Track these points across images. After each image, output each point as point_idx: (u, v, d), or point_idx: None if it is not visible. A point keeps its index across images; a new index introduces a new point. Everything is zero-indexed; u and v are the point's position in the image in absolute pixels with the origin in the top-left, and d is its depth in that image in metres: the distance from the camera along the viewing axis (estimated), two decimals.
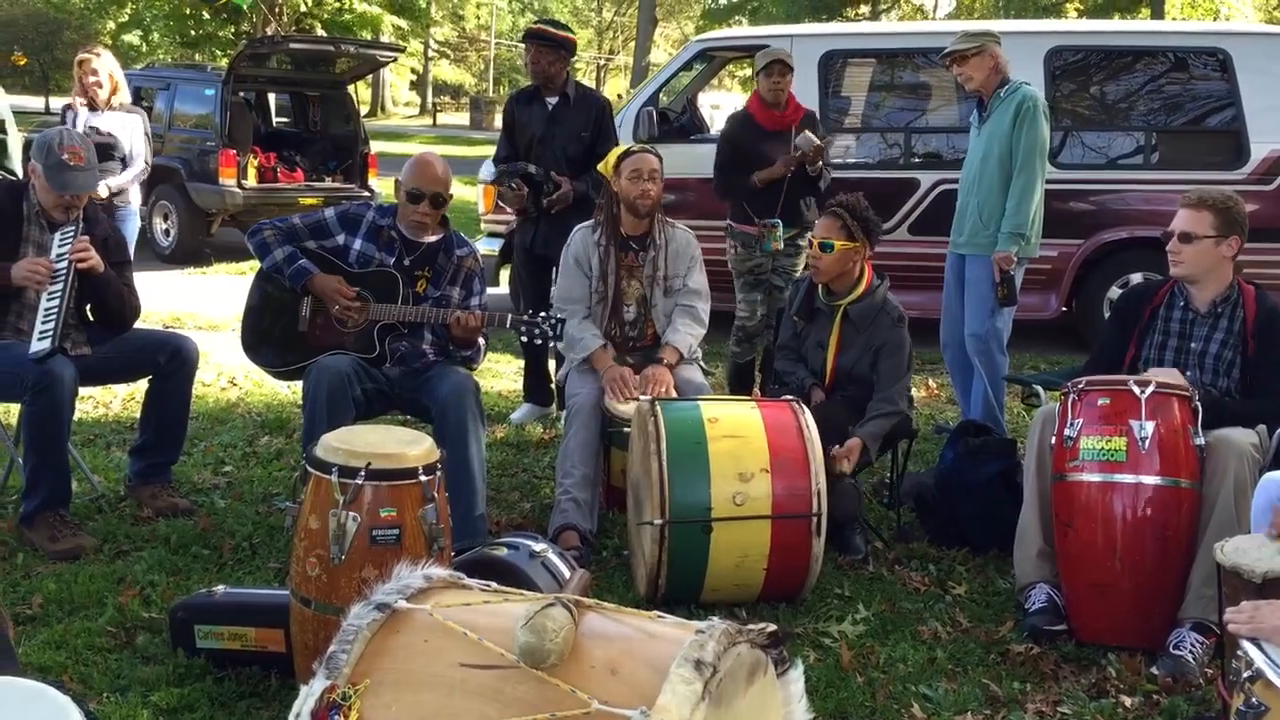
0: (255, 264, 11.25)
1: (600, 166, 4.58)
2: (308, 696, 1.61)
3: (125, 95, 6.89)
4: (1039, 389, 4.24)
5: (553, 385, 5.86)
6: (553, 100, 5.50)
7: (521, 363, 6.47)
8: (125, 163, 6.74)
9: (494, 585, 1.75)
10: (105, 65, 6.76)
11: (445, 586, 1.75)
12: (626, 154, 4.40)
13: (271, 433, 5.37)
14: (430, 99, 49.75)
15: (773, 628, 1.55)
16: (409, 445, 2.63)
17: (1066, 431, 3.48)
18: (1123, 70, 7.61)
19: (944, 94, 7.96)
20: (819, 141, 5.44)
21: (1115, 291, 7.51)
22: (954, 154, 7.58)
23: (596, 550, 4.03)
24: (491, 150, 6.24)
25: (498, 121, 42.43)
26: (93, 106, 6.72)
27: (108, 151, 6.41)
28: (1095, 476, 3.40)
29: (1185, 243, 3.64)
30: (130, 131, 6.74)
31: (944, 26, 7.64)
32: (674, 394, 4.16)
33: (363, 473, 2.51)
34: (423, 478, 2.58)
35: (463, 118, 45.74)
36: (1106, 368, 3.82)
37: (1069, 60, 7.57)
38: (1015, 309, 5.05)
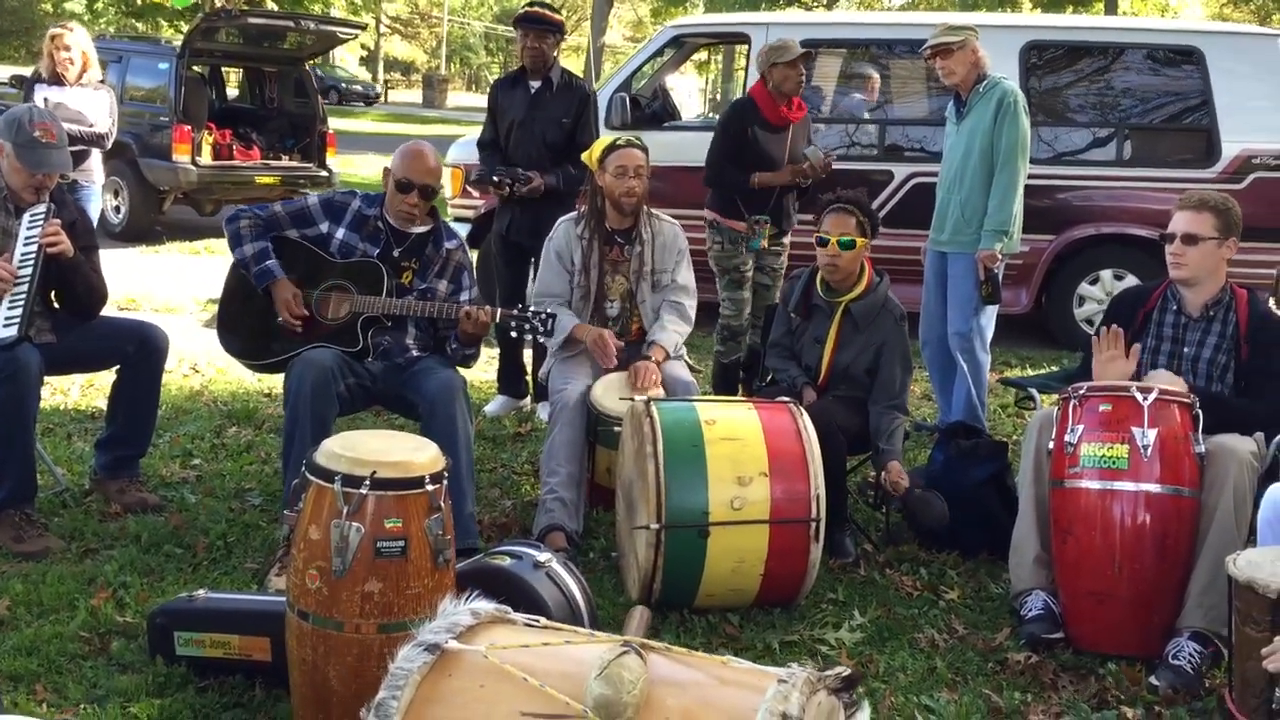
0: (209, 243, 11.00)
1: (585, 157, 4.46)
2: None
3: (96, 72, 6.66)
4: (1034, 392, 4.21)
5: (527, 377, 5.75)
6: (536, 84, 5.37)
7: (492, 352, 6.36)
8: (98, 142, 6.51)
9: (542, 621, 1.65)
10: (79, 41, 6.54)
11: (494, 623, 1.65)
12: (612, 147, 4.29)
13: (239, 424, 5.20)
14: (381, 76, 49.12)
15: (847, 672, 1.47)
16: (415, 453, 2.52)
17: (1066, 437, 3.44)
18: (1097, 66, 7.62)
19: (917, 86, 7.93)
20: (826, 158, 5.39)
21: (1086, 288, 7.57)
22: (929, 147, 7.56)
23: (583, 551, 3.94)
24: (447, 130, 6.12)
25: (451, 100, 42.15)
26: (58, 82, 6.47)
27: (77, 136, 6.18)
28: (1096, 484, 3.37)
29: (1190, 245, 3.61)
30: (97, 108, 6.51)
31: (920, 18, 7.61)
32: (662, 391, 4.08)
33: (367, 482, 2.40)
34: (429, 487, 2.47)
35: (415, 95, 45.23)
36: None
37: (1044, 55, 7.57)
38: (998, 306, 5.03)
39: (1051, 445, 3.51)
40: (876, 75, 7.88)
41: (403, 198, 3.89)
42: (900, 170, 7.53)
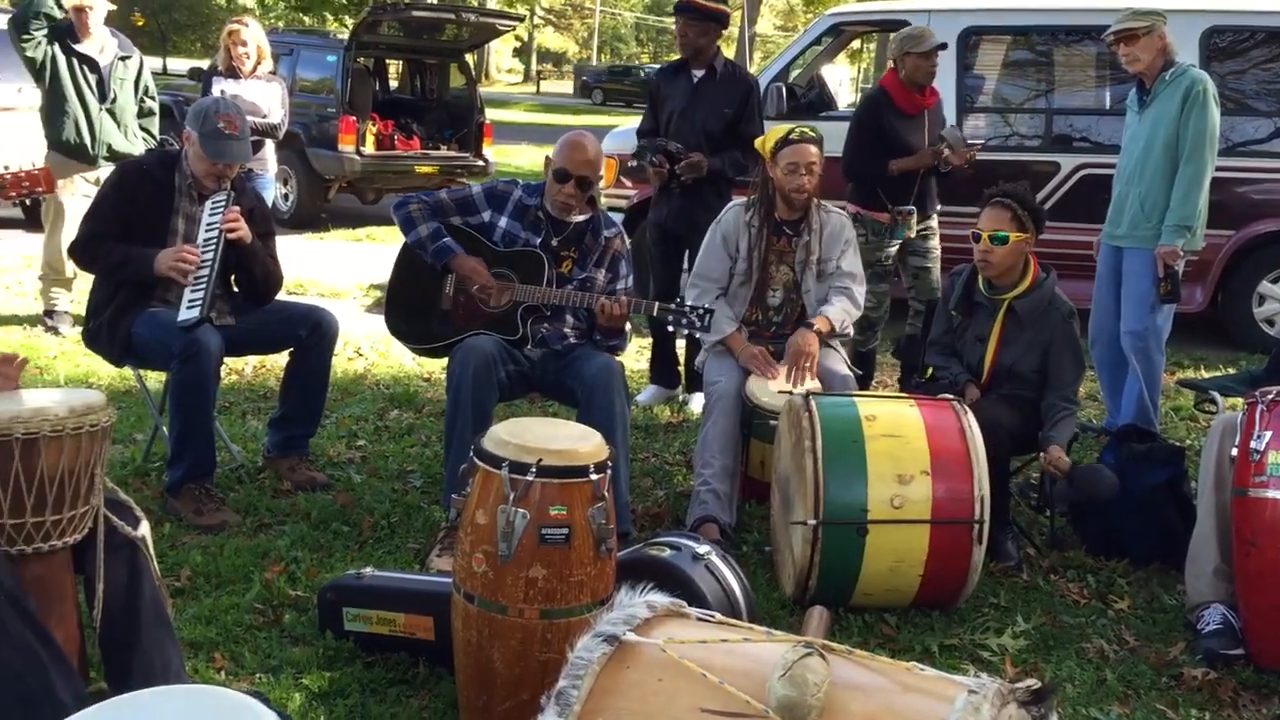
0: (372, 231, 11.35)
1: (758, 144, 4.40)
2: None
3: (269, 65, 6.97)
4: (1216, 395, 3.99)
5: (679, 368, 5.75)
6: (698, 74, 5.35)
7: (644, 342, 6.38)
8: (271, 132, 6.80)
9: (717, 616, 1.64)
10: (254, 35, 6.86)
11: (669, 616, 1.64)
12: (786, 141, 4.20)
13: (401, 407, 5.35)
14: (534, 66, 49.85)
15: (1038, 684, 1.42)
16: (580, 441, 2.53)
17: (1252, 444, 3.25)
18: None
19: (1087, 74, 7.62)
20: (966, 141, 5.27)
21: (1266, 286, 7.18)
22: (1098, 137, 7.27)
23: (736, 545, 3.92)
24: (597, 120, 6.16)
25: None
26: (234, 74, 6.78)
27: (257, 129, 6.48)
28: None
29: None
30: (270, 99, 6.80)
31: (1093, 3, 7.27)
32: (819, 384, 4.02)
33: (534, 469, 2.42)
34: (594, 476, 2.49)
35: (565, 86, 45.78)
36: None
37: (1226, 40, 7.18)
38: (1176, 306, 4.79)
39: (1235, 452, 3.33)
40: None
41: (560, 187, 3.93)
42: (1068, 161, 7.25)
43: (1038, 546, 4.03)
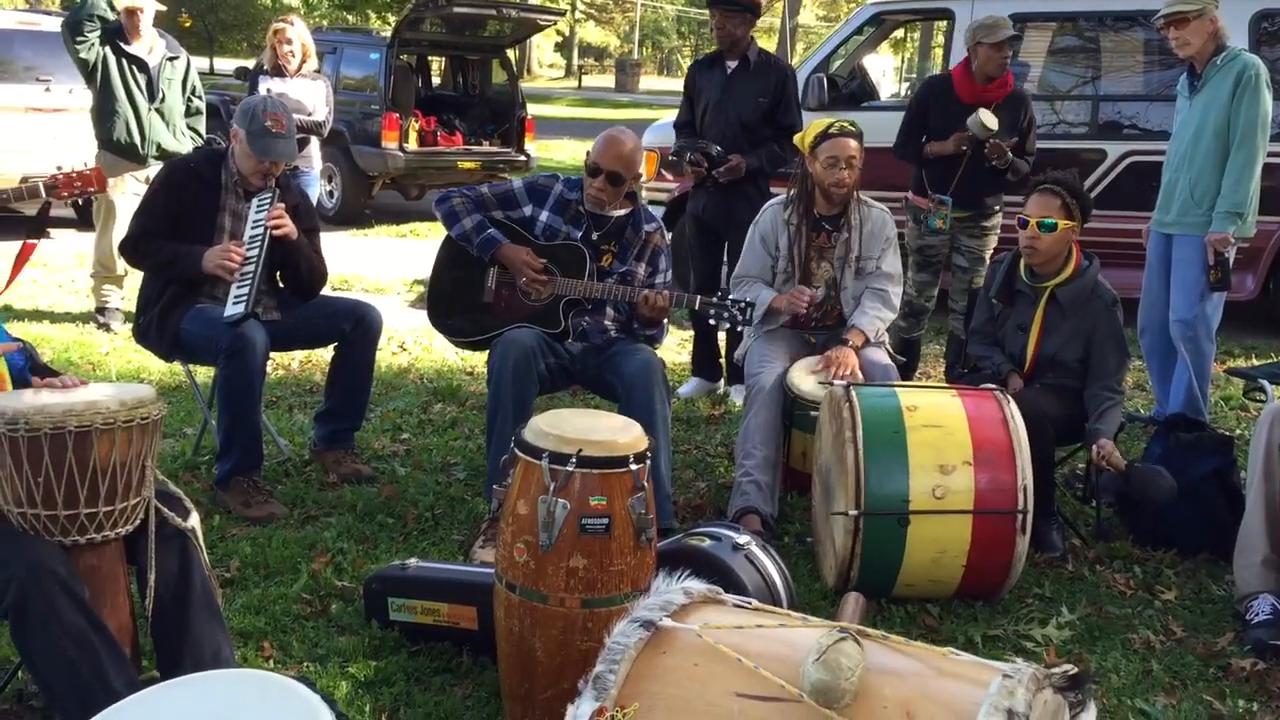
0: (415, 227, 11.44)
1: (797, 140, 4.39)
2: (576, 718, 1.53)
3: (313, 63, 7.06)
4: (1265, 383, 3.94)
5: (721, 360, 5.76)
6: (732, 65, 5.35)
7: (685, 335, 6.39)
8: (316, 130, 6.88)
9: (754, 603, 1.65)
10: (299, 34, 6.95)
11: (705, 602, 1.66)
12: (825, 135, 4.18)
13: (444, 400, 5.40)
14: (576, 61, 49.91)
15: (1075, 670, 1.41)
16: (619, 432, 2.55)
17: None
18: None
19: (1133, 60, 7.51)
20: (992, 126, 5.07)
21: None
22: (1145, 124, 7.17)
23: (778, 535, 3.92)
24: (638, 114, 6.16)
25: (643, 84, 42.48)
26: (280, 73, 6.87)
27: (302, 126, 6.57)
28: None
29: None
30: (315, 97, 6.88)
31: None
32: (860, 377, 4.01)
33: (574, 459, 2.44)
34: (633, 466, 2.50)
35: (607, 80, 45.78)
36: None
37: (1278, 24, 7.04)
38: (1226, 294, 4.72)
39: None
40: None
41: (590, 181, 3.95)
42: (1114, 148, 7.16)
43: (1083, 537, 4.00)
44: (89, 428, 2.38)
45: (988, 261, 5.33)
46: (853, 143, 4.16)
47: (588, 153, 4.01)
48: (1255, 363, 6.29)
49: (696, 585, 1.71)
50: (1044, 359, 4.02)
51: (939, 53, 11.41)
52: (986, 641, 3.26)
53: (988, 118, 5.07)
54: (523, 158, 11.64)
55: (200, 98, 6.53)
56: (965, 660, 1.51)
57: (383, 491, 4.12)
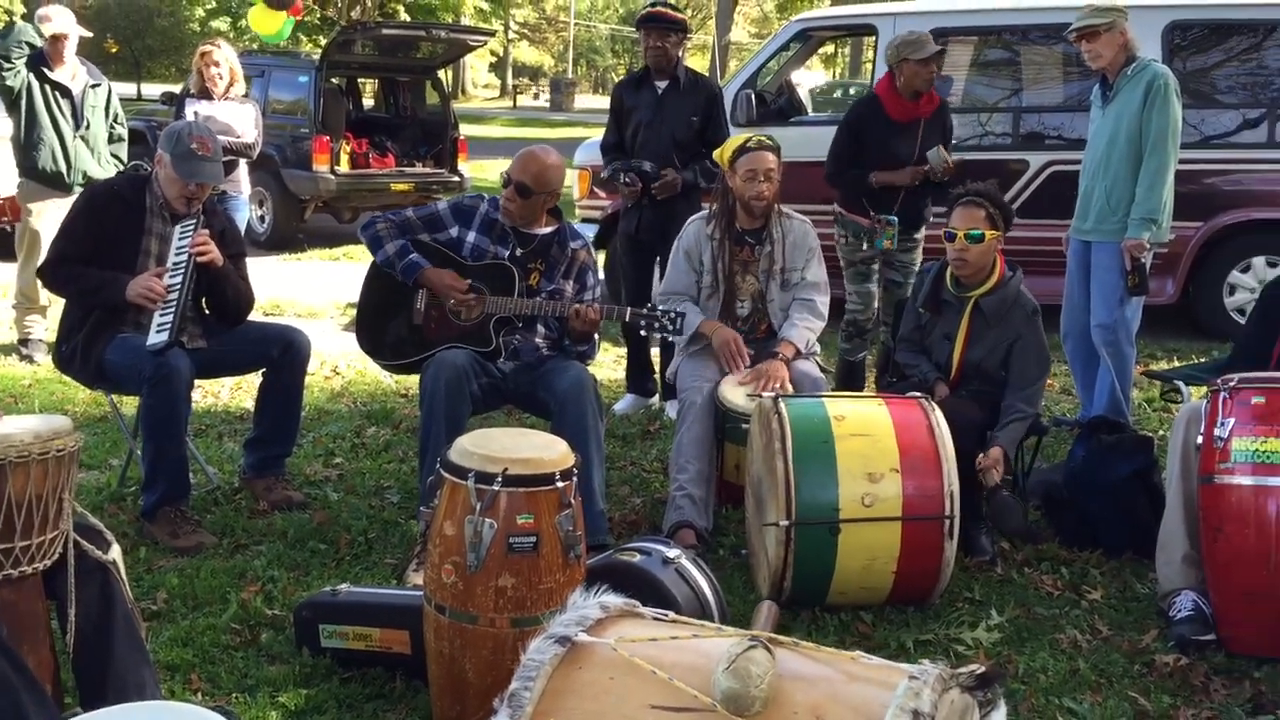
0: (348, 250, 11.34)
1: (716, 155, 4.45)
2: None
3: (241, 86, 6.98)
4: (1181, 384, 4.04)
5: (655, 376, 5.78)
6: (662, 84, 5.39)
7: (620, 351, 6.41)
8: (245, 151, 6.80)
9: (671, 615, 1.66)
10: (226, 57, 6.88)
11: (622, 616, 1.67)
12: (743, 150, 4.24)
13: (378, 424, 5.36)
14: (510, 81, 49.92)
15: (983, 669, 1.44)
16: (545, 450, 2.56)
17: (1216, 431, 3.29)
18: (1246, 45, 7.27)
19: (1054, 72, 7.69)
20: (950, 162, 5.21)
21: (1237, 275, 7.25)
22: (1067, 134, 7.34)
23: (713, 549, 3.94)
24: (573, 132, 6.19)
25: (578, 103, 42.63)
26: (207, 96, 6.79)
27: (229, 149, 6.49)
28: (1248, 479, 3.22)
29: None
30: (244, 120, 6.81)
31: (1055, 2, 7.33)
32: (790, 389, 4.05)
33: (499, 478, 2.44)
34: (560, 483, 2.51)
35: (542, 100, 45.81)
36: (1252, 364, 3.62)
37: (1189, 35, 7.26)
38: (1145, 298, 4.84)
39: (1200, 440, 3.37)
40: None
41: (503, 191, 3.99)
42: (1037, 159, 7.32)
43: (1011, 541, 4.06)
44: (2, 462, 2.34)
45: (916, 270, 5.42)
46: (770, 156, 4.22)
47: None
48: (1176, 364, 6.44)
49: (613, 599, 1.72)
50: (969, 367, 4.09)
51: (869, 68, 11.60)
52: (919, 647, 3.30)
53: (943, 153, 5.23)
54: (456, 179, 11.61)
55: (123, 124, 6.44)
56: (874, 663, 1.53)
57: (315, 517, 4.08)
